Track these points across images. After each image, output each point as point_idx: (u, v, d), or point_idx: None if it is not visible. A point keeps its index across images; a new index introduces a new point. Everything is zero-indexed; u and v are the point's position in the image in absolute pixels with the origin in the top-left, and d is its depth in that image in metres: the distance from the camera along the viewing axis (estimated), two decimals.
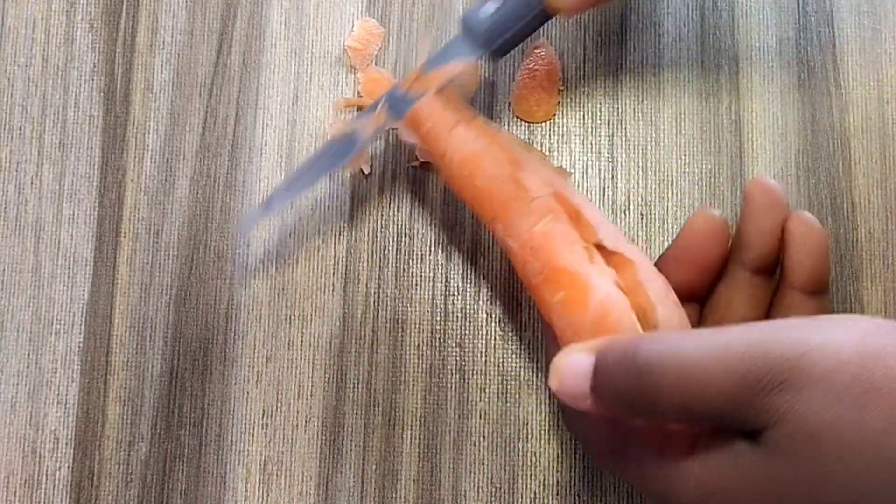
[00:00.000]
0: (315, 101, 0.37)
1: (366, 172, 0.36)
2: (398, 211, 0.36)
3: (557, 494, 0.33)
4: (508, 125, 0.36)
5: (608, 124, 0.36)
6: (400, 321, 0.35)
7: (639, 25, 0.37)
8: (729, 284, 0.30)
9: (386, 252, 0.35)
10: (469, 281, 0.35)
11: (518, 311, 0.35)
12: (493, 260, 0.35)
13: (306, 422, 0.34)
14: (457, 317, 0.35)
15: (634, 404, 0.24)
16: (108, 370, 0.35)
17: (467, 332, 0.35)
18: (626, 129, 0.36)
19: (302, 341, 0.35)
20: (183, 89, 0.37)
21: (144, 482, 0.34)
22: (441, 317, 0.35)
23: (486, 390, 0.34)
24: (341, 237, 0.36)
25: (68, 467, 0.34)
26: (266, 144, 0.36)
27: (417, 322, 0.35)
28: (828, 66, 0.36)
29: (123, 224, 0.36)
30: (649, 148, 0.36)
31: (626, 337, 0.26)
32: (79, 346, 0.35)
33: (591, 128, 0.36)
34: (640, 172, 0.36)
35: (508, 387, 0.34)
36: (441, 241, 0.35)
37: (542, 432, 0.34)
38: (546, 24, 0.37)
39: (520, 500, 0.33)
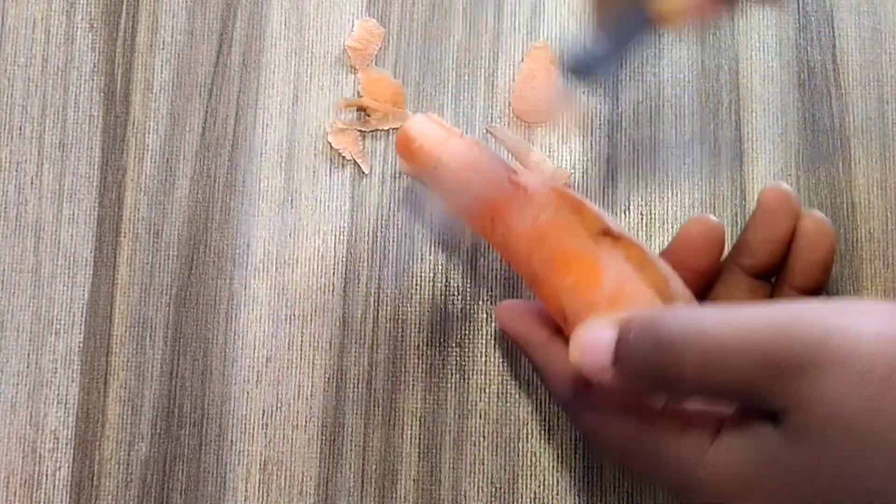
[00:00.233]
0: (315, 101, 0.37)
1: (365, 172, 0.36)
2: (398, 211, 0.36)
3: (557, 494, 0.33)
4: (508, 125, 0.36)
5: (608, 124, 0.36)
6: (400, 321, 0.35)
7: None
8: (728, 287, 0.30)
9: (386, 252, 0.35)
10: (469, 281, 0.35)
11: None
12: (493, 260, 0.35)
13: (306, 422, 0.34)
14: (457, 317, 0.35)
15: (656, 378, 0.24)
16: (108, 370, 0.35)
17: (467, 332, 0.35)
18: (626, 129, 0.36)
19: (302, 341, 0.35)
20: (183, 89, 0.37)
21: (144, 482, 0.34)
22: (441, 317, 0.35)
23: (486, 390, 0.34)
24: (341, 237, 0.36)
25: (68, 467, 0.34)
26: (266, 144, 0.36)
27: (417, 322, 0.35)
28: (828, 66, 0.36)
29: (123, 224, 0.36)
30: (649, 148, 0.36)
31: (649, 311, 0.26)
32: (79, 346, 0.35)
33: (591, 128, 0.36)
34: (640, 172, 0.36)
35: (508, 387, 0.34)
36: (441, 241, 0.35)
37: (542, 432, 0.34)
38: (546, 25, 0.37)
39: (520, 500, 0.33)
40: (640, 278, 0.27)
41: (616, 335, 0.25)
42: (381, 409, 0.34)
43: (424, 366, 0.34)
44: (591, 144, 0.36)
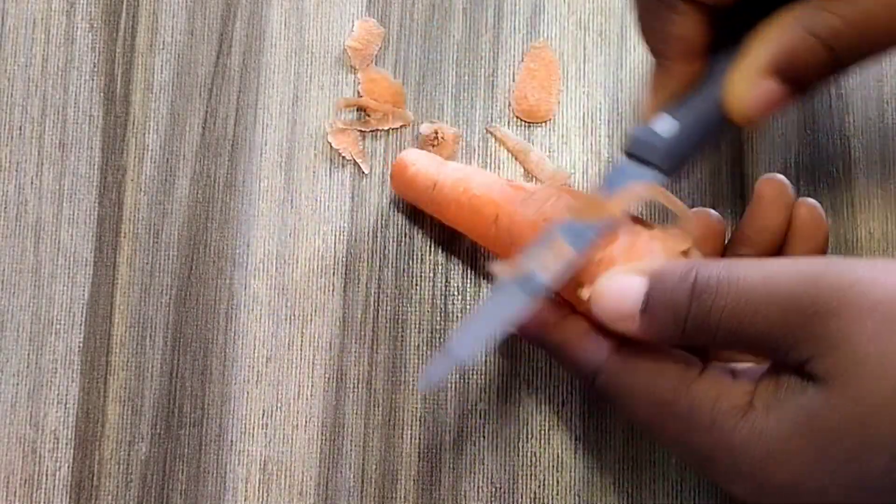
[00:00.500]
0: (315, 101, 0.37)
1: (365, 172, 0.36)
2: (398, 211, 0.36)
3: (557, 494, 0.33)
4: (508, 125, 0.36)
5: (608, 124, 0.36)
6: (400, 321, 0.35)
7: None
8: None
9: (386, 252, 0.35)
10: (469, 281, 0.35)
11: None
12: (493, 260, 0.35)
13: (306, 422, 0.34)
14: (457, 317, 0.35)
15: (688, 327, 0.24)
16: (108, 370, 0.35)
17: None
18: (626, 129, 0.36)
19: (302, 341, 0.35)
20: (183, 89, 0.37)
21: (144, 482, 0.34)
22: (441, 317, 0.35)
23: (486, 390, 0.34)
24: (341, 237, 0.36)
25: (68, 467, 0.34)
26: (266, 144, 0.36)
27: (417, 322, 0.35)
28: None
29: (123, 224, 0.36)
30: None
31: (681, 261, 0.26)
32: (79, 346, 0.35)
33: (591, 128, 0.36)
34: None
35: (508, 387, 0.34)
36: (441, 241, 0.35)
37: (542, 432, 0.34)
38: (546, 25, 0.37)
39: (520, 500, 0.33)
40: (651, 234, 0.27)
41: (645, 283, 0.25)
42: (381, 409, 0.34)
43: (424, 366, 0.34)
44: (591, 144, 0.36)
